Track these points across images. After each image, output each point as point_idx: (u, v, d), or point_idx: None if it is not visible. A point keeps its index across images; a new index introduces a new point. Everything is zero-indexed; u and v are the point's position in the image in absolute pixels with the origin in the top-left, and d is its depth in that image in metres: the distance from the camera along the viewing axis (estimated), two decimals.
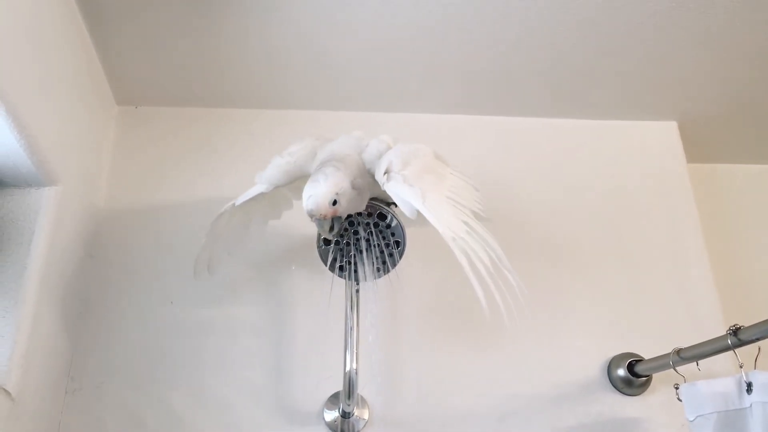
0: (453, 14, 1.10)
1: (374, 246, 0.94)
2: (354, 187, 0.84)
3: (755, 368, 0.84)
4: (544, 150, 1.34)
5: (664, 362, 0.97)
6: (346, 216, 0.88)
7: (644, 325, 1.17)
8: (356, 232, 0.94)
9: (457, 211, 0.81)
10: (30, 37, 0.89)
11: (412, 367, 1.10)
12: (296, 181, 0.93)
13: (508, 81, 1.27)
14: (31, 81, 0.89)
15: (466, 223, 0.78)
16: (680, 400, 0.91)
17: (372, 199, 0.92)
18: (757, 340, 0.80)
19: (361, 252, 0.95)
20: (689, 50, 1.19)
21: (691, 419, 0.88)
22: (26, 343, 0.89)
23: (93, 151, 1.19)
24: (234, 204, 0.95)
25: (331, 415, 1.05)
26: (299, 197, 0.99)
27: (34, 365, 0.92)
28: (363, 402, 1.06)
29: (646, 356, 1.09)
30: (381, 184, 0.83)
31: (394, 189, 0.81)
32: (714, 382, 0.87)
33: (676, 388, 0.92)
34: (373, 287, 0.99)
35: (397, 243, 0.95)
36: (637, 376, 1.09)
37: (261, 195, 0.94)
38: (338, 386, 1.02)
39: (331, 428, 1.05)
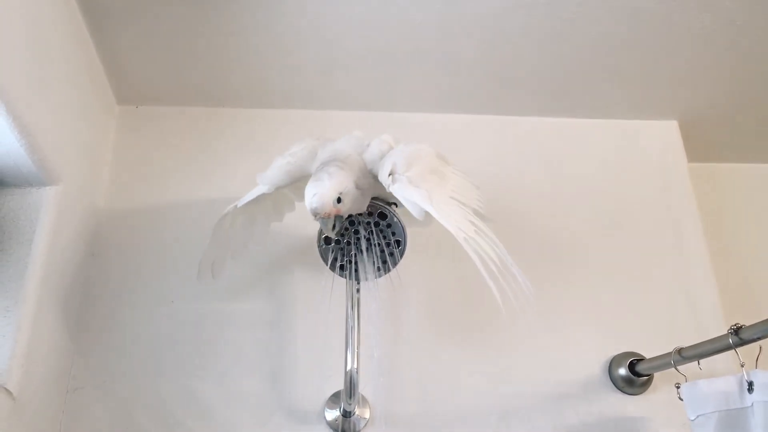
0: (453, 13, 1.10)
1: (375, 245, 0.94)
2: (358, 186, 0.85)
3: (756, 367, 0.84)
4: (544, 149, 1.34)
5: (666, 361, 0.97)
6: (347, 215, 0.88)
7: (645, 324, 1.17)
8: (357, 232, 0.94)
9: (462, 210, 0.81)
10: (30, 37, 0.89)
11: (413, 366, 1.10)
12: (297, 181, 0.93)
13: (508, 80, 1.27)
14: (31, 81, 0.89)
15: (473, 222, 0.78)
16: (681, 399, 0.91)
17: (372, 198, 0.92)
18: (759, 339, 0.80)
19: (361, 251, 0.95)
20: (690, 49, 1.19)
21: (693, 418, 0.88)
22: (27, 342, 0.89)
23: (94, 150, 1.19)
24: (236, 206, 0.95)
25: (332, 414, 1.05)
26: (301, 198, 0.99)
27: (35, 364, 0.92)
28: (364, 401, 1.06)
29: (648, 355, 1.09)
30: (386, 186, 0.83)
31: (400, 191, 0.81)
32: (715, 382, 0.87)
33: (678, 388, 0.92)
34: (373, 286, 0.99)
35: (398, 242, 0.95)
36: (639, 375, 1.09)
37: (263, 196, 0.94)
38: (339, 385, 1.02)
39: (332, 427, 1.05)
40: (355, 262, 0.95)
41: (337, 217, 0.84)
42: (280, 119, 1.32)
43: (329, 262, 0.96)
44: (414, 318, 1.14)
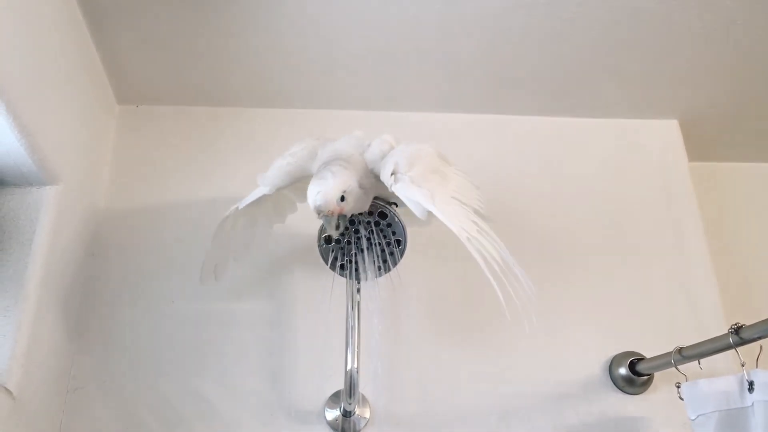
0: (453, 13, 1.10)
1: (375, 244, 0.94)
2: (361, 186, 0.85)
3: (757, 367, 0.84)
4: (544, 149, 1.34)
5: (666, 361, 0.97)
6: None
7: (646, 323, 1.17)
8: (357, 231, 0.94)
9: (464, 210, 0.81)
10: (31, 36, 0.89)
11: (413, 366, 1.10)
12: (298, 182, 0.93)
13: (508, 79, 1.27)
14: (31, 80, 0.89)
15: (475, 222, 0.78)
16: (682, 399, 0.91)
17: (373, 198, 0.92)
18: (759, 338, 0.80)
19: (362, 251, 0.95)
20: (690, 48, 1.19)
21: (693, 418, 0.88)
22: (27, 341, 0.89)
23: (94, 150, 1.19)
24: (237, 208, 0.96)
25: (333, 413, 1.05)
26: (302, 199, 0.99)
27: (35, 364, 0.92)
28: (364, 401, 1.06)
29: (648, 355, 1.09)
30: (388, 186, 0.83)
31: (402, 191, 0.81)
32: (716, 381, 0.87)
33: (678, 387, 0.92)
34: (374, 286, 0.99)
35: (398, 242, 0.94)
36: (639, 374, 1.09)
37: (264, 198, 0.94)
38: (339, 385, 1.02)
39: (332, 427, 1.04)
40: (356, 262, 0.95)
41: (341, 216, 0.84)
42: (281, 119, 1.32)
43: (329, 262, 0.96)
44: (414, 317, 1.14)
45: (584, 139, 1.36)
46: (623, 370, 1.11)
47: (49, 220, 0.96)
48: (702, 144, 1.45)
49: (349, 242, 0.95)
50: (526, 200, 1.28)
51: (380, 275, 0.97)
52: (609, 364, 1.13)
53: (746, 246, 1.44)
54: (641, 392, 1.11)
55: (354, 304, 0.96)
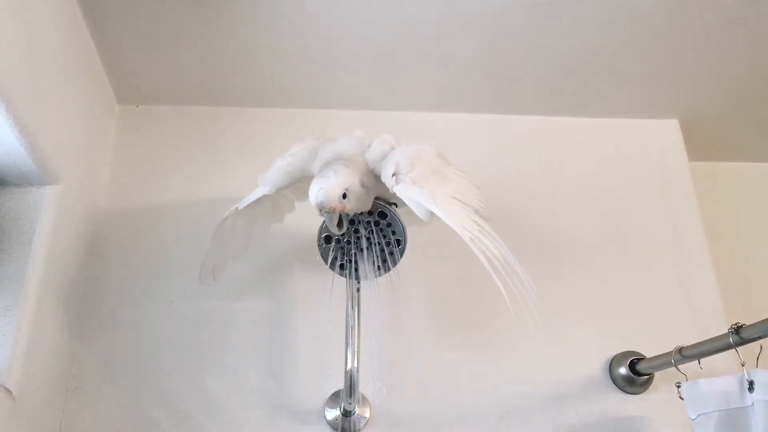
0: (453, 13, 1.10)
1: (375, 244, 0.94)
2: (362, 185, 0.85)
3: (757, 366, 0.83)
4: (545, 148, 1.34)
5: (666, 360, 0.97)
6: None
7: (646, 323, 1.17)
8: (357, 231, 0.94)
9: (465, 210, 0.81)
10: (31, 36, 0.89)
11: (413, 366, 1.10)
12: (298, 182, 0.93)
13: (508, 79, 1.27)
14: (32, 80, 0.89)
15: (476, 222, 0.79)
16: (682, 399, 0.91)
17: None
18: (759, 338, 0.80)
19: (361, 250, 0.95)
20: (690, 48, 1.19)
21: (693, 417, 0.88)
22: (27, 341, 0.89)
23: (94, 149, 1.19)
24: (237, 208, 0.96)
25: (333, 413, 1.05)
26: (302, 199, 0.99)
27: (35, 363, 0.92)
28: (364, 400, 1.06)
29: (648, 354, 1.09)
30: (389, 187, 0.83)
31: (404, 192, 0.81)
32: (716, 381, 0.87)
33: (678, 387, 0.92)
34: (374, 286, 0.99)
35: (398, 241, 0.94)
36: (639, 374, 1.09)
37: (264, 198, 0.95)
38: (339, 385, 1.02)
39: (332, 427, 1.04)
40: (355, 261, 0.95)
41: (343, 214, 0.84)
42: (281, 118, 1.32)
43: (329, 261, 0.96)
44: (414, 317, 1.14)
45: (584, 138, 1.36)
46: (623, 370, 1.11)
47: (49, 219, 0.96)
48: (702, 144, 1.45)
49: (348, 242, 0.95)
50: (526, 200, 1.28)
51: (380, 275, 0.97)
52: (609, 363, 1.13)
53: (746, 245, 1.44)
54: (641, 392, 1.11)
55: (354, 304, 0.96)
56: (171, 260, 1.16)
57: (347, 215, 0.85)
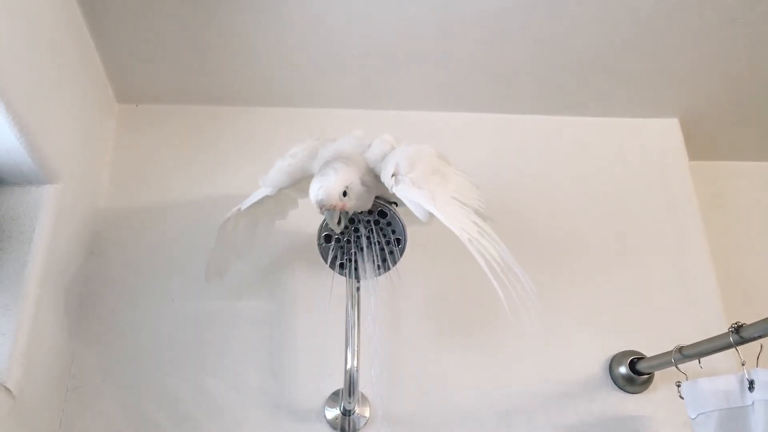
0: (453, 13, 1.10)
1: (375, 243, 0.94)
2: (363, 183, 0.85)
3: (757, 366, 0.83)
4: (545, 147, 1.34)
5: (666, 360, 0.97)
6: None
7: (646, 322, 1.17)
8: (357, 230, 0.94)
9: (464, 211, 0.81)
10: (30, 35, 0.89)
11: (413, 365, 1.10)
12: (298, 182, 0.94)
13: (508, 78, 1.27)
14: (31, 79, 0.89)
15: (476, 223, 0.79)
16: (682, 398, 0.91)
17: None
18: (759, 337, 0.80)
19: (361, 249, 0.95)
20: (691, 47, 1.19)
21: (693, 417, 0.88)
22: (27, 340, 0.89)
23: (94, 149, 1.19)
24: (240, 209, 0.96)
25: (333, 412, 1.05)
26: (303, 196, 0.99)
27: (35, 363, 0.92)
28: (364, 400, 1.06)
29: (648, 354, 1.09)
30: (389, 187, 0.84)
31: (403, 192, 0.81)
32: (716, 380, 0.87)
33: (678, 386, 0.92)
34: (373, 285, 0.99)
35: (398, 240, 0.94)
36: (639, 373, 1.09)
37: (265, 198, 0.95)
38: (339, 384, 1.02)
39: (332, 426, 1.04)
40: (355, 261, 0.95)
41: (343, 212, 0.84)
42: (281, 118, 1.32)
43: (329, 261, 0.96)
44: (414, 317, 1.14)
45: (584, 138, 1.36)
46: (623, 369, 1.11)
47: (48, 218, 0.96)
48: (702, 143, 1.45)
49: (348, 241, 0.95)
50: (526, 199, 1.28)
51: (380, 274, 0.97)
52: (609, 363, 1.13)
53: (747, 245, 1.44)
54: (641, 391, 1.11)
55: (354, 303, 0.96)
56: (171, 260, 1.16)
57: (347, 213, 0.85)
